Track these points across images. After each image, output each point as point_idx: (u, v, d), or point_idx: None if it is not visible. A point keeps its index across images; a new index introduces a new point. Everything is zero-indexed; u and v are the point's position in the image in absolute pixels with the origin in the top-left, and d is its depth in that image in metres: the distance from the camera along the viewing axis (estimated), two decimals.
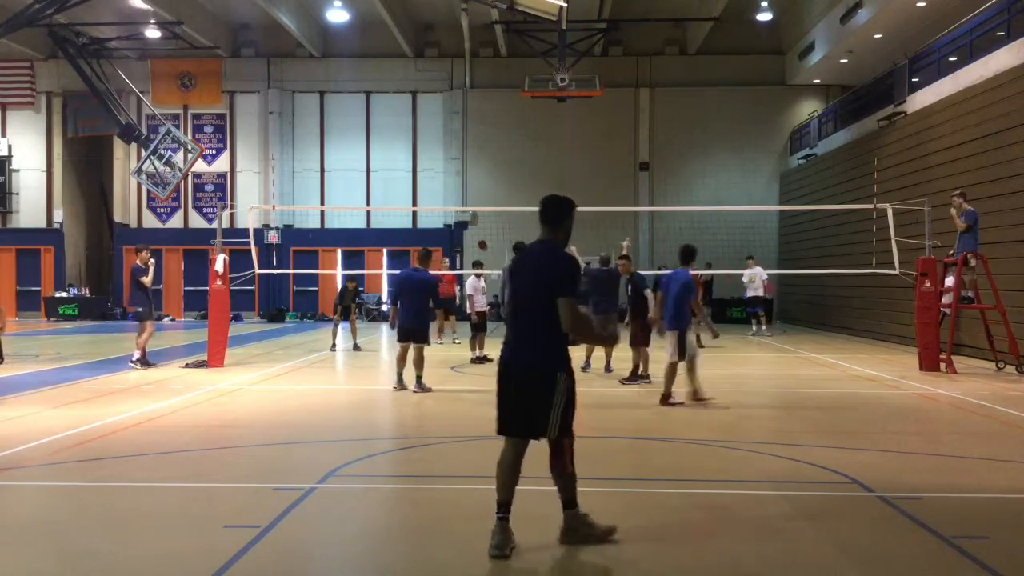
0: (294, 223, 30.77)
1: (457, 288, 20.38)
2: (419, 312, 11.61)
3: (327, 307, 29.00)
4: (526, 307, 5.04)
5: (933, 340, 13.88)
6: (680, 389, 10.27)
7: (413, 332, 11.55)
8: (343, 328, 18.72)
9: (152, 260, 14.66)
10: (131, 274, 14.30)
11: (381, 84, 30.67)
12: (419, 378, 11.54)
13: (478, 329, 15.64)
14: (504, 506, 5.03)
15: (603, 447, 8.08)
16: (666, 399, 10.18)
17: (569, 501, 5.11)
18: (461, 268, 28.36)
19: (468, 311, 16.24)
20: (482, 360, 15.07)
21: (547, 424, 4.97)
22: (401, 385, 11.56)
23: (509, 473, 5.11)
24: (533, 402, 4.97)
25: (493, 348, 15.75)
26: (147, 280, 14.10)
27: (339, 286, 20.88)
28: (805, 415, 10.02)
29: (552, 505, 5.54)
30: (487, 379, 12.50)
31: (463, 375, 13.73)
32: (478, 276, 16.99)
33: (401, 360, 11.67)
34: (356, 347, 17.98)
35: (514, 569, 4.82)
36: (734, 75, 29.60)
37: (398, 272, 12.32)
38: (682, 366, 10.27)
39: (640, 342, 12.25)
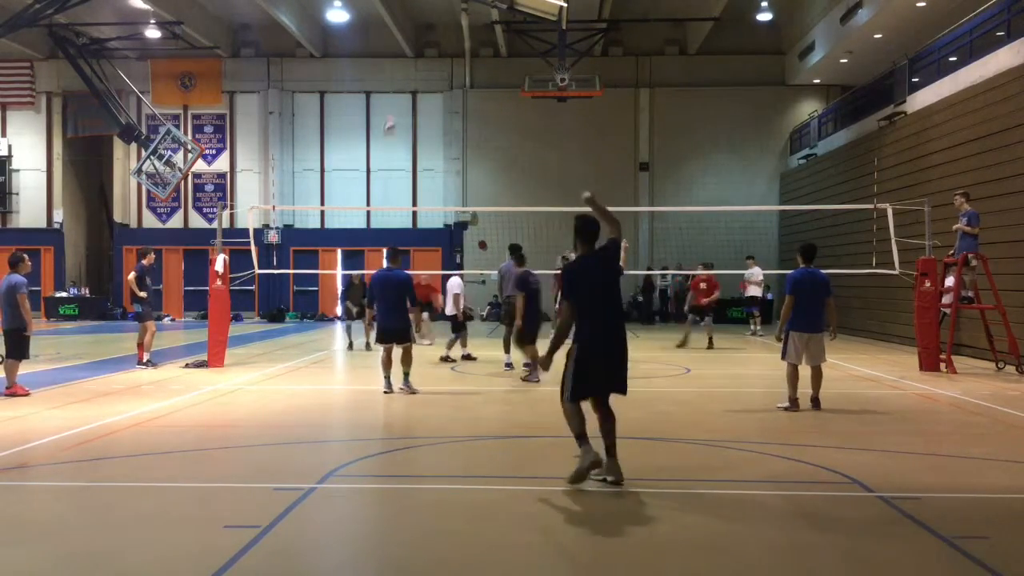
0: (294, 223, 30.77)
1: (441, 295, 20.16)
2: (399, 311, 11.24)
3: (327, 307, 29.04)
4: (609, 298, 6.44)
5: (933, 340, 13.88)
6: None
7: (395, 332, 11.28)
8: (354, 325, 18.07)
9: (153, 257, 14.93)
10: (140, 272, 14.23)
11: (381, 84, 30.66)
12: (406, 375, 11.28)
13: (458, 329, 15.58)
14: (581, 437, 6.35)
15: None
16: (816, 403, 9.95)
17: (612, 446, 6.44)
18: (462, 269, 28.37)
19: (450, 311, 16.01)
20: (468, 358, 15.25)
21: (625, 379, 6.44)
22: (390, 388, 11.26)
23: (577, 418, 6.39)
24: (621, 366, 6.41)
25: (476, 348, 15.81)
26: (131, 278, 14.13)
27: (340, 286, 20.57)
28: (805, 415, 10.01)
29: (541, 503, 5.54)
30: (486, 379, 12.47)
31: (463, 375, 13.73)
32: (460, 276, 16.82)
33: (387, 363, 11.33)
34: (368, 347, 17.47)
35: (515, 565, 4.81)
36: (734, 75, 29.59)
37: (373, 273, 11.99)
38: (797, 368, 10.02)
39: None
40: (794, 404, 9.91)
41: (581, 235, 6.47)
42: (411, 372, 11.34)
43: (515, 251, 13.90)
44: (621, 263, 6.53)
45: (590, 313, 6.35)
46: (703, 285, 18.50)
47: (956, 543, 5.09)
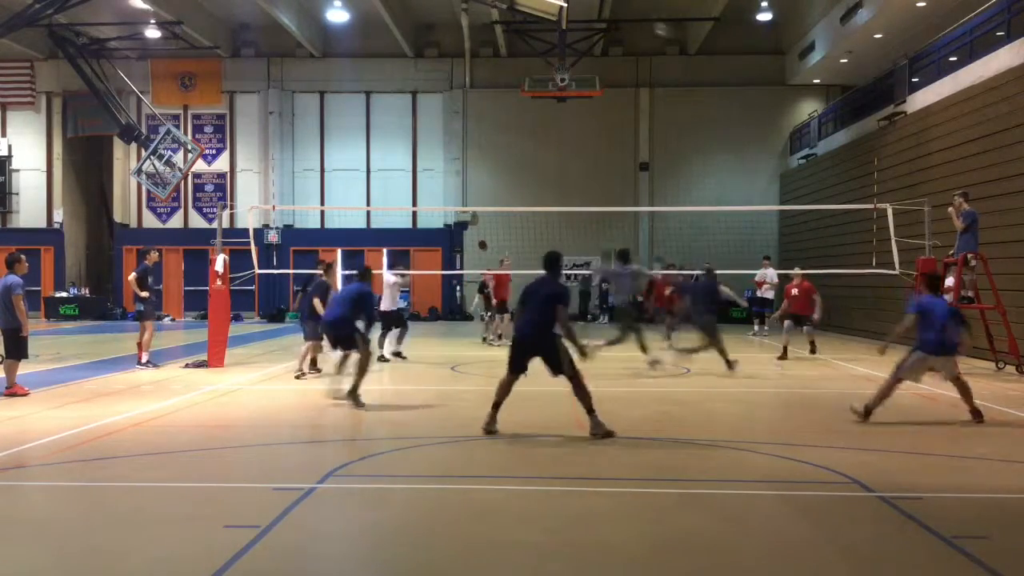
0: (294, 223, 30.76)
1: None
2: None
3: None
4: (539, 308, 8.44)
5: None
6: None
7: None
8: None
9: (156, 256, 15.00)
10: (141, 273, 14.22)
11: (381, 84, 30.65)
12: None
13: (397, 325, 15.49)
14: (497, 405, 8.49)
15: (603, 447, 8.08)
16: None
17: (588, 409, 8.27)
18: (462, 268, 28.36)
19: (386, 307, 15.83)
20: (398, 356, 15.20)
21: (551, 362, 8.32)
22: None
23: (501, 390, 8.51)
24: (542, 353, 8.37)
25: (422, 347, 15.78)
26: (131, 278, 14.10)
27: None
28: (805, 415, 10.03)
29: (541, 503, 5.53)
30: (487, 380, 12.43)
31: (464, 375, 13.72)
32: (400, 275, 16.65)
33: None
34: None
35: (515, 565, 4.82)
36: (734, 75, 29.58)
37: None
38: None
39: None
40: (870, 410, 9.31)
41: (544, 263, 8.74)
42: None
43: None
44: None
45: (522, 313, 8.59)
46: (795, 291, 16.58)
47: (956, 543, 5.09)
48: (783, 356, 15.76)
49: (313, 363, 13.26)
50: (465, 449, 8.05)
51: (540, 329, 8.38)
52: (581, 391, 8.27)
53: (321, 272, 13.31)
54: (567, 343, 8.36)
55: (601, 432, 8.14)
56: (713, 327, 13.78)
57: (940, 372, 9.62)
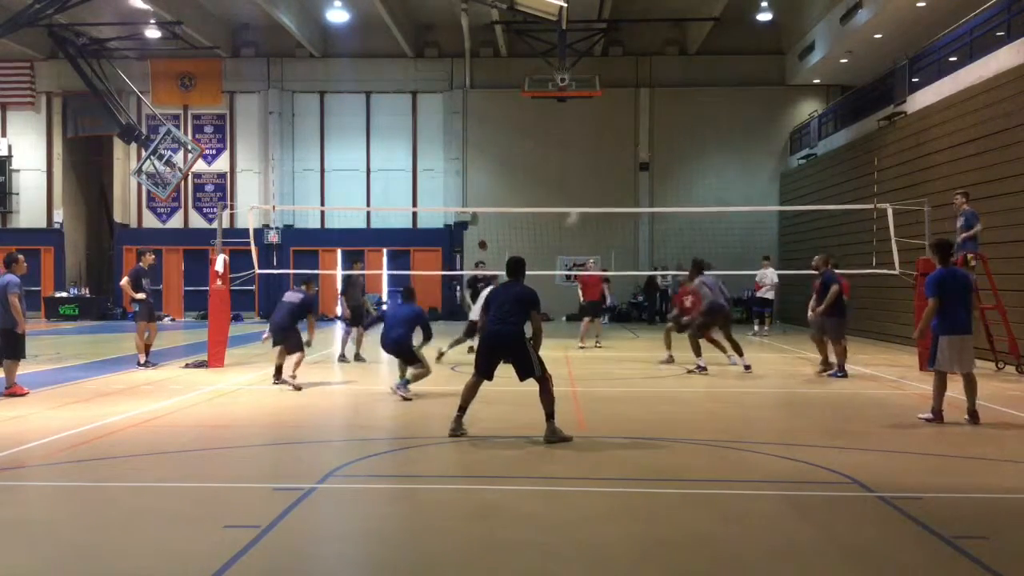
0: (294, 223, 30.76)
1: (605, 287, 18.13)
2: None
3: (327, 307, 28.92)
4: (509, 313, 8.42)
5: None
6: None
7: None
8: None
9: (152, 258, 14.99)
10: (133, 275, 14.31)
11: (381, 84, 30.64)
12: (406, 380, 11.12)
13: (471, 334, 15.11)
14: (463, 408, 8.43)
15: (603, 447, 8.10)
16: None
17: (549, 414, 8.20)
18: (462, 269, 28.35)
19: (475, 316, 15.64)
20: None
21: (521, 366, 8.32)
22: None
23: (468, 392, 8.47)
24: (508, 356, 8.40)
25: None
26: (124, 283, 14.17)
27: (340, 284, 18.53)
28: (805, 415, 10.02)
29: (541, 503, 5.54)
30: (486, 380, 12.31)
31: (464, 375, 13.69)
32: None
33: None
34: (358, 357, 15.62)
35: (514, 565, 4.82)
36: (734, 75, 29.58)
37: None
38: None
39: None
40: (938, 416, 9.16)
41: (508, 268, 8.74)
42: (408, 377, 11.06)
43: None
44: None
45: (492, 320, 8.47)
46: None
47: (956, 543, 5.09)
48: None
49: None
50: (465, 449, 8.04)
51: (510, 329, 8.31)
52: (547, 395, 8.21)
53: (304, 289, 12.57)
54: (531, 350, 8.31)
55: (556, 438, 8.03)
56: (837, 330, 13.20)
57: (963, 359, 9.09)
